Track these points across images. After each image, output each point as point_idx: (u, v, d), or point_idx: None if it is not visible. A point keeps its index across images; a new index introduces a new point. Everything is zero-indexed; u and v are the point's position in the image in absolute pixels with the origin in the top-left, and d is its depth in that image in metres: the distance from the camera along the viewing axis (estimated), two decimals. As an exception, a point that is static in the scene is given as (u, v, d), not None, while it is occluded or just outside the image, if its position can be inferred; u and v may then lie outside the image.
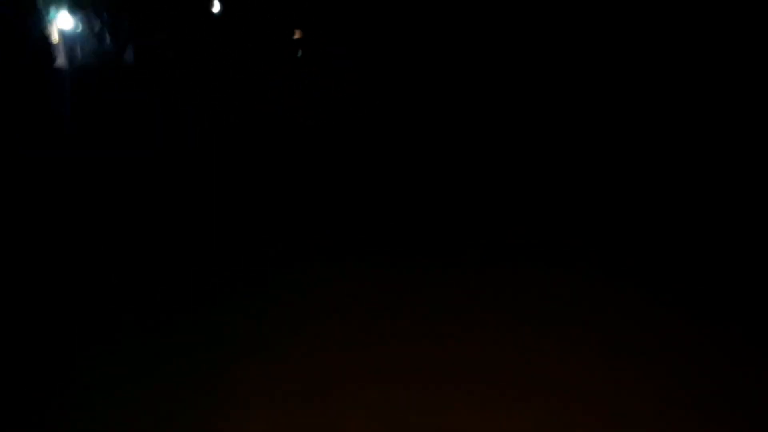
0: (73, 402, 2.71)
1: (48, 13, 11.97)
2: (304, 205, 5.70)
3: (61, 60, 12.05)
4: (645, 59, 6.43)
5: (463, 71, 7.00)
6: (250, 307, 3.63)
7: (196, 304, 3.71)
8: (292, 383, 2.82)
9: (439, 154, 6.90)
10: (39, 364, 3.04)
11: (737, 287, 3.84)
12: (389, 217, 5.40)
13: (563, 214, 5.38)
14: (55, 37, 12.28)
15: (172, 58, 12.73)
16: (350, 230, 5.09)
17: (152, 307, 3.66)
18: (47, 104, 9.81)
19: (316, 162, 6.88)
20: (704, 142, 6.11)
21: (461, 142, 7.01)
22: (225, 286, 3.97)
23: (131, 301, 3.75)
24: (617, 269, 4.18)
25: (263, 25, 7.44)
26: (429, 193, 6.03)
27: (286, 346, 3.16)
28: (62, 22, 12.17)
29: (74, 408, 2.66)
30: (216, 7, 12.44)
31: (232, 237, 4.94)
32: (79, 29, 13.04)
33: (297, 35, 9.24)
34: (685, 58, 6.24)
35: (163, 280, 4.09)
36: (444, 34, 6.84)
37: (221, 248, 4.65)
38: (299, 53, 9.38)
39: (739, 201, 5.35)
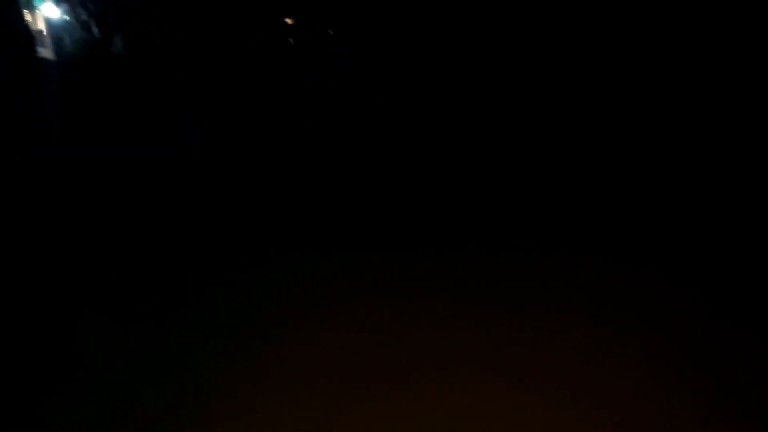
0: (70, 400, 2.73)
1: (33, 2, 11.67)
2: (304, 204, 5.68)
3: (47, 50, 11.78)
4: (645, 59, 6.36)
5: (463, 71, 6.94)
6: (248, 307, 3.62)
7: (194, 303, 3.69)
8: (290, 382, 2.85)
9: (439, 153, 6.86)
10: (36, 363, 3.05)
11: (738, 285, 3.86)
12: (388, 215, 5.39)
13: (563, 213, 5.36)
14: (41, 27, 11.99)
15: (162, 47, 12.52)
16: (349, 229, 5.08)
17: (151, 305, 3.65)
18: (31, 99, 9.62)
19: (316, 162, 6.84)
20: (704, 143, 6.07)
21: (461, 141, 6.97)
22: (224, 285, 3.95)
23: (130, 300, 3.74)
24: (616, 268, 4.18)
25: (259, 20, 7.36)
26: (428, 191, 6.01)
27: (285, 344, 3.19)
28: (48, 12, 11.89)
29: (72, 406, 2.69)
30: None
31: (232, 235, 4.91)
32: (66, 19, 12.74)
33: (289, 22, 9.06)
34: (685, 59, 6.18)
35: (162, 278, 4.10)
36: (444, 34, 6.78)
37: (221, 247, 4.63)
38: (291, 41, 9.24)
39: (738, 201, 5.37)
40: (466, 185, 6.17)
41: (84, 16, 12.88)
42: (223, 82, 6.96)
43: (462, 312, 3.51)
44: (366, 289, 3.85)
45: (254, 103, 7.08)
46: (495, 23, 6.43)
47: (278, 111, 7.07)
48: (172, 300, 3.75)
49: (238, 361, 3.01)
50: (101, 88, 9.79)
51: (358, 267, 4.22)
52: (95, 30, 13.15)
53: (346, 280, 4.00)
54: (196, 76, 7.00)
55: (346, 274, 4.09)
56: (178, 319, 3.50)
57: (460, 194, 5.93)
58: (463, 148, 6.86)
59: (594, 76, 6.46)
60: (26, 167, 6.06)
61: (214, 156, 6.87)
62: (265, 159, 6.88)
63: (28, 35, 11.27)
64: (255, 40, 7.00)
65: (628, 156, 6.28)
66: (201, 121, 6.88)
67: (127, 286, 3.96)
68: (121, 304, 3.70)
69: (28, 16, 11.43)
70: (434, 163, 6.73)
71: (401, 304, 3.63)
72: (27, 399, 2.73)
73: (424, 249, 4.60)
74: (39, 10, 11.77)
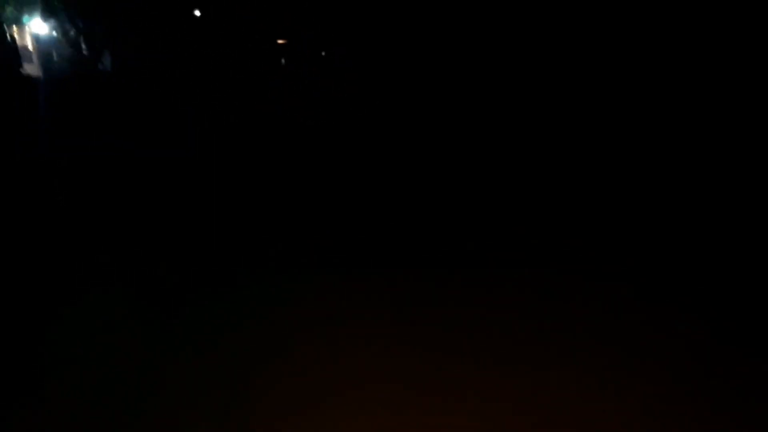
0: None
1: (21, 17, 11.64)
2: (304, 205, 5.65)
3: (35, 66, 11.72)
4: (645, 59, 6.49)
5: (462, 71, 7.03)
6: (247, 311, 3.42)
7: (194, 308, 3.45)
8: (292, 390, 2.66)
9: (438, 153, 6.87)
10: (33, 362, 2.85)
11: (736, 288, 3.71)
12: (388, 214, 5.38)
13: (562, 214, 5.37)
14: (29, 44, 11.93)
15: (151, 63, 12.57)
16: (349, 229, 5.05)
17: (149, 310, 3.54)
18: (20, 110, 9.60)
19: (316, 162, 6.84)
20: (704, 142, 6.19)
21: (460, 141, 6.99)
22: (223, 288, 3.88)
23: (126, 307, 3.64)
24: (616, 270, 3.99)
25: (249, 27, 7.45)
26: (428, 192, 6.03)
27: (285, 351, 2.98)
28: (36, 28, 11.88)
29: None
30: (197, 12, 12.34)
31: (232, 237, 4.85)
32: (54, 36, 12.73)
33: (281, 42, 9.27)
34: (685, 58, 6.34)
35: (162, 283, 3.99)
36: (444, 34, 6.87)
37: (221, 250, 4.56)
38: (282, 61, 9.42)
39: (738, 201, 5.30)
40: (466, 184, 6.19)
41: (72, 34, 12.89)
42: (223, 82, 6.97)
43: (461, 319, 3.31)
44: (365, 290, 3.68)
45: (254, 103, 7.09)
46: (495, 23, 6.55)
47: (278, 111, 7.08)
48: (169, 305, 3.69)
49: (225, 365, 2.80)
50: (99, 93, 9.80)
51: (356, 269, 4.16)
52: (84, 47, 13.17)
53: (344, 283, 3.89)
54: (196, 78, 7.02)
55: (344, 279, 4.02)
56: (174, 325, 3.32)
57: (461, 194, 5.94)
58: (461, 148, 6.89)
59: (587, 79, 6.58)
60: (25, 167, 5.95)
61: (213, 156, 6.82)
62: (265, 159, 6.86)
63: (11, 49, 11.25)
64: (255, 40, 7.05)
65: (622, 159, 6.35)
66: (201, 121, 6.85)
67: (123, 285, 3.87)
68: (116, 306, 3.63)
69: (15, 32, 11.39)
70: (434, 162, 6.76)
71: (401, 310, 3.48)
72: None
73: (422, 248, 4.57)
74: (27, 26, 11.75)
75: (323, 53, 7.29)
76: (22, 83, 10.85)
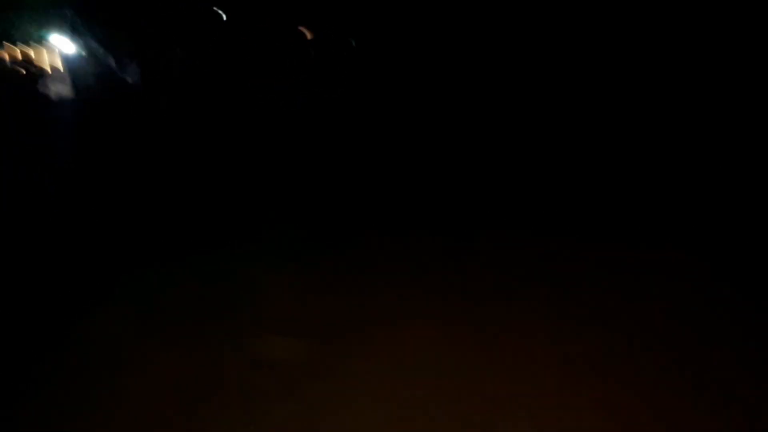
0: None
1: (44, 36, 11.53)
2: (304, 204, 5.71)
3: (67, 88, 11.64)
4: (645, 60, 6.30)
5: (462, 72, 6.93)
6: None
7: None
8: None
9: (438, 154, 6.74)
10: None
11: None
12: (388, 213, 5.38)
13: (562, 215, 5.17)
14: (58, 65, 11.85)
15: (178, 75, 12.43)
16: (350, 230, 5.02)
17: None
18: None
19: (314, 160, 6.85)
20: (704, 143, 5.86)
21: (460, 142, 6.81)
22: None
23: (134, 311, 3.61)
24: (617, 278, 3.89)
25: (272, 28, 7.47)
26: (428, 193, 5.93)
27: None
28: (63, 47, 11.70)
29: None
30: (224, 16, 12.03)
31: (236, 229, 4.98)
32: (81, 53, 12.57)
33: (308, 35, 9.07)
34: (684, 58, 6.11)
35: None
36: (443, 34, 6.80)
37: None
38: (312, 54, 9.27)
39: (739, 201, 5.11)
40: (464, 185, 6.08)
41: (98, 49, 12.72)
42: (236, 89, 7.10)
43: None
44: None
45: (254, 102, 7.19)
46: (494, 22, 6.47)
47: (280, 107, 7.15)
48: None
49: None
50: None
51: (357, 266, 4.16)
52: (111, 62, 13.02)
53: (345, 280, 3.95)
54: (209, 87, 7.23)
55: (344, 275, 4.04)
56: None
57: (458, 194, 5.83)
58: (461, 147, 6.73)
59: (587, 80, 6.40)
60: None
61: (213, 153, 6.95)
62: (264, 156, 6.91)
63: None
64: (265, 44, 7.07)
65: (622, 159, 6.09)
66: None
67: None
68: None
69: (33, 52, 11.22)
70: (433, 161, 6.59)
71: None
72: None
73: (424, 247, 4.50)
74: (48, 43, 11.57)
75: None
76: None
